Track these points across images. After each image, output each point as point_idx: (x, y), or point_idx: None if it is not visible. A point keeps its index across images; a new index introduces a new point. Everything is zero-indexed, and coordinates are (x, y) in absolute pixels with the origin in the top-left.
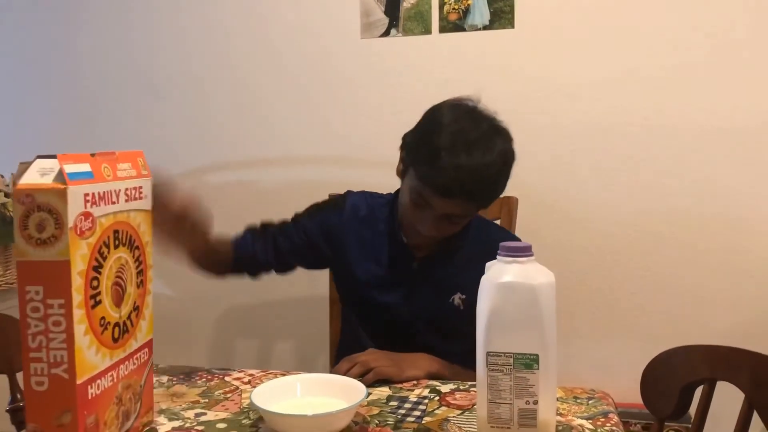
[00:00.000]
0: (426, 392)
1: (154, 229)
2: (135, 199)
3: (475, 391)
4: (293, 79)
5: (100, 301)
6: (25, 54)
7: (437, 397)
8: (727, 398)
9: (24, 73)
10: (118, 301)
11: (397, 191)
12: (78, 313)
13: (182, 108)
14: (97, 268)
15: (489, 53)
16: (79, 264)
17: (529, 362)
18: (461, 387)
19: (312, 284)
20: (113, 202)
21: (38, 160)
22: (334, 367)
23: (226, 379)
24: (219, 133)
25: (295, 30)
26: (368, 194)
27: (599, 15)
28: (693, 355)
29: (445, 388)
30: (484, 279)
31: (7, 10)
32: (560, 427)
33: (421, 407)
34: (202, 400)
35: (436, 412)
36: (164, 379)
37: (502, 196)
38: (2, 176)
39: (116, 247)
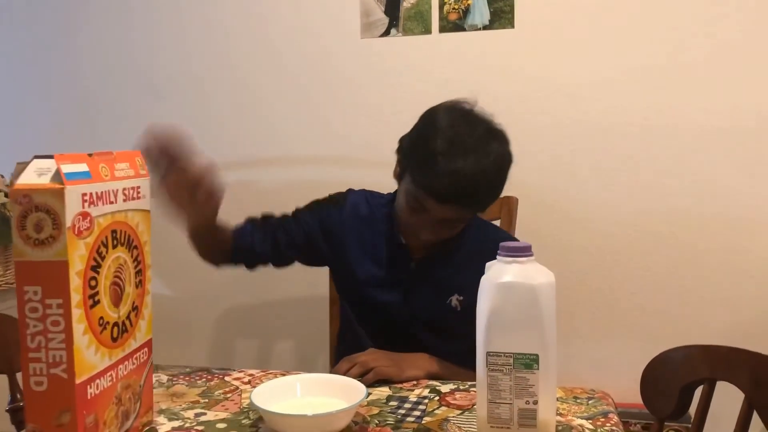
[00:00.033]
0: (426, 392)
1: (167, 193)
2: (133, 198)
3: (475, 391)
4: (293, 79)
5: (98, 301)
6: (25, 54)
7: (437, 397)
8: (727, 398)
9: (24, 73)
10: (116, 301)
11: (396, 191)
12: (76, 313)
13: (182, 108)
14: (96, 268)
15: (489, 53)
16: (77, 264)
17: (529, 362)
18: (461, 387)
19: (312, 284)
20: (111, 202)
21: (35, 161)
22: (334, 367)
23: (226, 379)
24: (219, 133)
25: (295, 30)
26: (368, 193)
27: (599, 15)
28: (693, 355)
29: (445, 388)
30: (484, 279)
31: (6, 9)
32: (560, 427)
33: (421, 407)
34: (202, 400)
35: (436, 412)
36: (164, 378)
37: (502, 196)
38: (2, 176)
39: (114, 246)
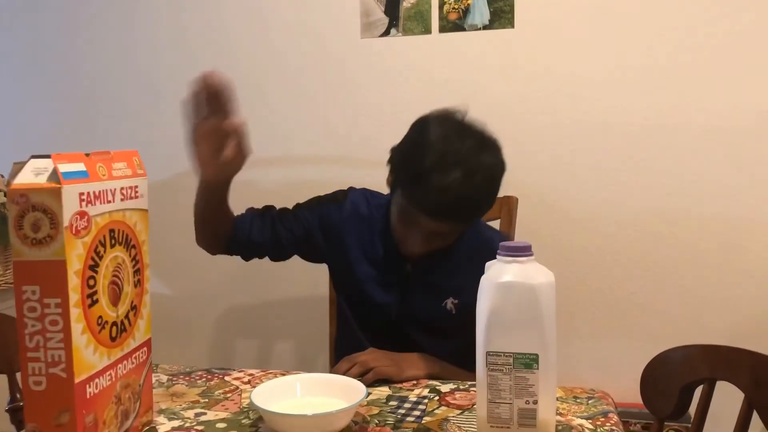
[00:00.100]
0: (426, 392)
1: (200, 137)
2: (131, 198)
3: (474, 391)
4: (293, 79)
5: (97, 300)
6: (25, 54)
7: (437, 397)
8: (727, 398)
9: (24, 73)
10: (115, 300)
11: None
12: (75, 313)
13: (182, 108)
14: (94, 268)
15: (489, 53)
16: (75, 263)
17: (529, 362)
18: (461, 387)
19: (312, 284)
20: (108, 201)
21: (32, 160)
22: (333, 367)
23: (226, 378)
24: None
25: (295, 30)
26: (369, 193)
27: (599, 15)
28: (693, 355)
29: (445, 387)
30: (483, 278)
31: (6, 10)
32: (560, 427)
33: (421, 407)
34: (202, 400)
35: (436, 411)
36: (164, 378)
37: (501, 196)
38: (2, 176)
39: (112, 246)
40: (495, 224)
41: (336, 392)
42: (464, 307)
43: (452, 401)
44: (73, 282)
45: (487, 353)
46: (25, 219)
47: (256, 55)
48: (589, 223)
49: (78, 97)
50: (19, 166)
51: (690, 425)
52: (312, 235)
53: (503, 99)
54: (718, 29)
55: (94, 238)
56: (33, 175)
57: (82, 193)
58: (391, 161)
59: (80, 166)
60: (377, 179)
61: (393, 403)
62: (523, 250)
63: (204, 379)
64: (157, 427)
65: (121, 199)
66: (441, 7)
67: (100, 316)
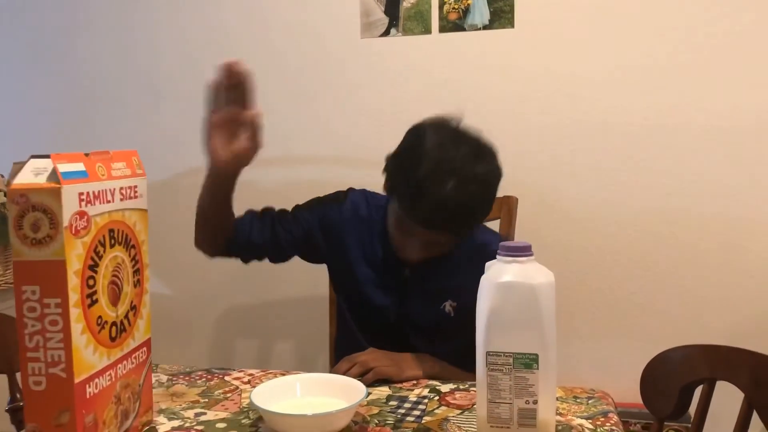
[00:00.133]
0: (426, 392)
1: (215, 124)
2: (130, 198)
3: (474, 391)
4: (293, 79)
5: (96, 300)
6: (25, 54)
7: (437, 397)
8: (727, 398)
9: (24, 73)
10: (114, 300)
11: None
12: (74, 312)
13: (182, 108)
14: (93, 267)
15: (489, 53)
16: (75, 263)
17: (529, 362)
18: (461, 387)
19: (312, 284)
20: (108, 201)
21: (32, 160)
22: (333, 367)
23: (226, 378)
24: None
25: (295, 30)
26: (369, 194)
27: (599, 15)
28: (693, 355)
29: (445, 387)
30: (483, 278)
31: (6, 10)
32: (560, 427)
33: (421, 407)
34: (202, 400)
35: (436, 411)
36: (164, 378)
37: (501, 195)
38: (2, 176)
39: (112, 246)
40: (495, 224)
41: (336, 392)
42: (463, 309)
43: (452, 401)
44: (73, 282)
45: (487, 353)
46: (25, 219)
47: (256, 55)
48: (589, 223)
49: (78, 97)
50: (18, 166)
51: (690, 425)
52: (312, 235)
53: (503, 99)
54: (718, 29)
55: (94, 238)
56: (33, 175)
57: (81, 193)
58: (386, 169)
59: (80, 166)
60: (377, 179)
61: (393, 403)
62: (523, 250)
63: (204, 379)
64: (157, 427)
65: (121, 199)
66: (441, 7)
67: (100, 316)
